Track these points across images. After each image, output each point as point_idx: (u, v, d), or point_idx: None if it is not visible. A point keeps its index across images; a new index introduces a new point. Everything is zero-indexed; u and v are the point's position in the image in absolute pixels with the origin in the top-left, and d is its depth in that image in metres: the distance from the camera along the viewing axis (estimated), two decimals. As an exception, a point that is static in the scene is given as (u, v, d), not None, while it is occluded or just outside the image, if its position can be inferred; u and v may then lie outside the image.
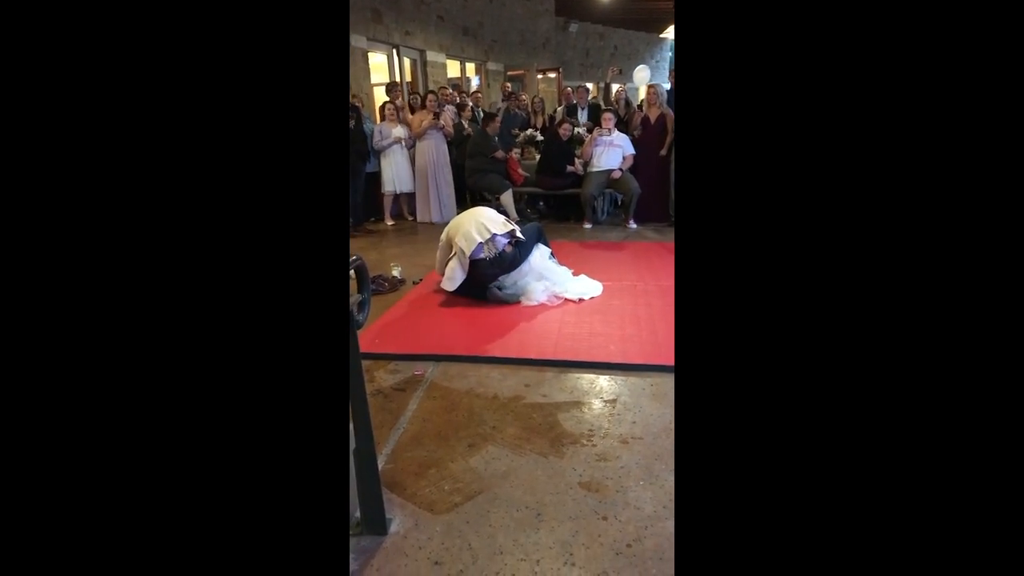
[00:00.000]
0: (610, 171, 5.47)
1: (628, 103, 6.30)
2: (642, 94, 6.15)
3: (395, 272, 4.03)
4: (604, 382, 2.46)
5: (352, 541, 1.56)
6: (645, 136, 5.62)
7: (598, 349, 2.74)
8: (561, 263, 3.76)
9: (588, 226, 5.60)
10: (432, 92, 6.53)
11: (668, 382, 2.40)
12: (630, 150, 5.52)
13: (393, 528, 1.63)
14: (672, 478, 1.76)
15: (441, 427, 2.15)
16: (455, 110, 6.39)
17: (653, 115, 5.59)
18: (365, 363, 1.81)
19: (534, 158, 6.16)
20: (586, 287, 3.52)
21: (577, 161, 5.67)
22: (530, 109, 7.18)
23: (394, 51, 8.26)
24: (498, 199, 5.78)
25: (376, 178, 5.96)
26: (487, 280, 3.40)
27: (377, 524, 1.60)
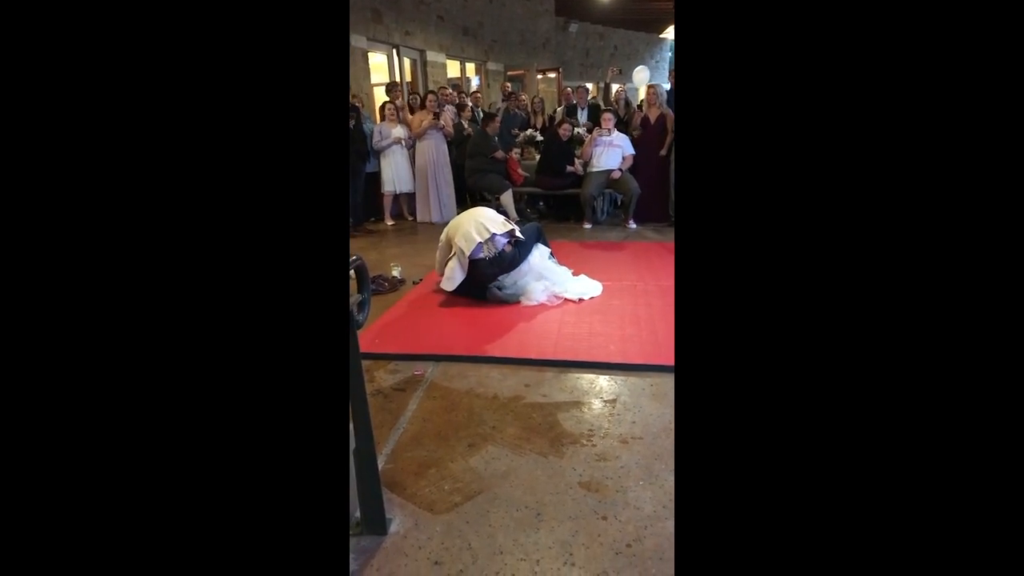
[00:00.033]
0: (610, 171, 5.47)
1: (628, 103, 6.31)
2: (642, 94, 6.15)
3: (395, 272, 4.03)
4: (604, 382, 2.46)
5: (352, 541, 1.56)
6: (645, 136, 5.62)
7: (598, 349, 2.74)
8: (561, 263, 3.76)
9: (588, 226, 5.60)
10: (432, 92, 6.53)
11: (668, 382, 2.40)
12: (630, 150, 5.52)
13: (393, 528, 1.63)
14: (672, 478, 1.76)
15: (441, 427, 2.15)
16: (455, 110, 6.39)
17: (653, 115, 5.59)
18: (365, 363, 1.81)
19: (534, 158, 6.17)
20: (586, 287, 3.52)
21: (577, 161, 5.67)
22: (530, 109, 7.18)
23: (394, 51, 8.26)
24: (498, 199, 5.78)
25: (376, 178, 5.96)
26: (487, 280, 3.40)
27: (377, 524, 1.60)
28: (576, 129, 6.07)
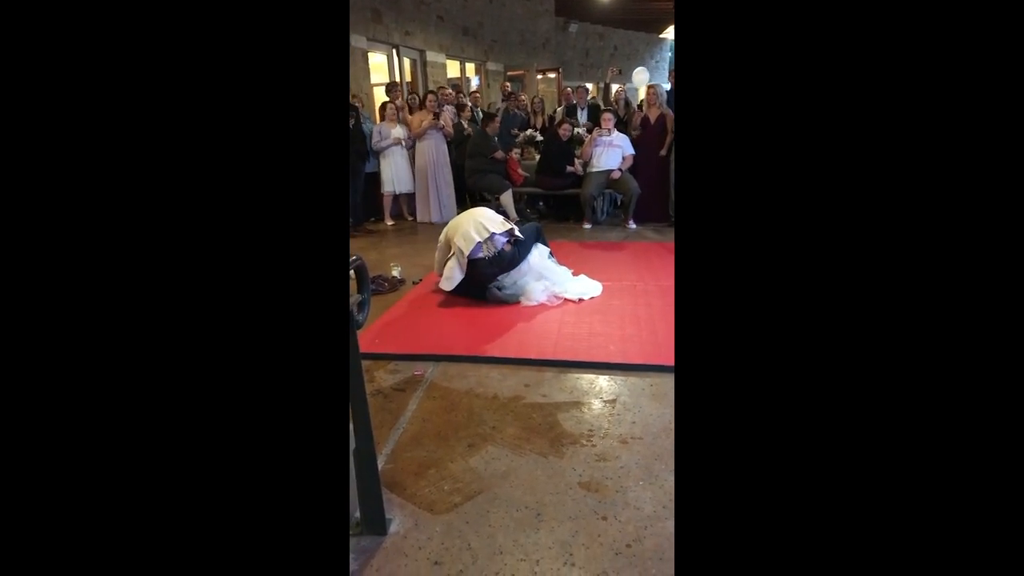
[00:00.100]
0: (610, 171, 5.47)
1: (628, 103, 6.31)
2: (642, 95, 6.15)
3: (395, 272, 4.03)
4: (604, 382, 2.46)
5: (352, 541, 1.56)
6: (645, 136, 5.62)
7: (598, 349, 2.74)
8: (561, 263, 3.76)
9: (588, 226, 5.60)
10: (432, 92, 6.53)
11: (668, 382, 2.40)
12: (629, 150, 5.53)
13: (393, 528, 1.63)
14: (672, 478, 1.76)
15: (441, 427, 2.15)
16: (455, 110, 6.39)
17: (653, 115, 5.59)
18: (365, 363, 1.81)
19: (534, 158, 6.17)
20: (586, 287, 3.52)
21: (577, 161, 5.67)
22: (530, 109, 7.18)
23: (394, 51, 8.26)
24: (498, 199, 5.78)
25: (376, 178, 5.96)
26: (486, 279, 3.40)
27: (377, 524, 1.60)
28: (576, 129, 6.07)
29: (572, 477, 1.82)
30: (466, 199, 6.10)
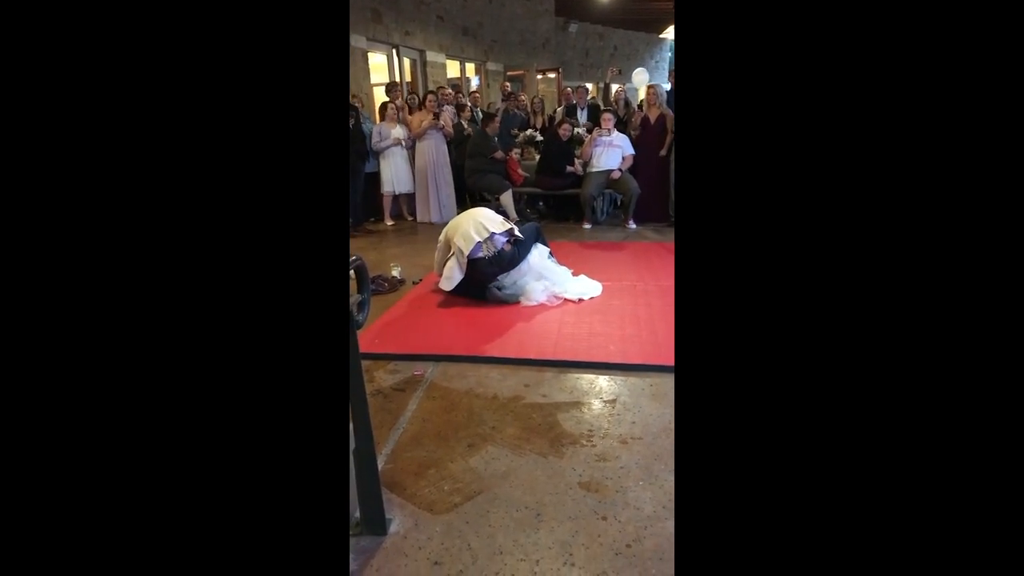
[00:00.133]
0: (609, 171, 5.47)
1: (627, 103, 6.31)
2: (641, 95, 6.16)
3: (395, 272, 4.03)
4: (604, 382, 2.46)
5: (352, 541, 1.56)
6: (645, 136, 5.62)
7: (598, 349, 2.74)
8: (561, 263, 3.76)
9: (588, 226, 5.60)
10: (432, 92, 6.53)
11: (668, 382, 2.40)
12: (629, 150, 5.53)
13: (393, 528, 1.63)
14: (672, 478, 1.76)
15: (441, 427, 2.15)
16: (454, 110, 6.39)
17: (653, 115, 5.59)
18: (365, 363, 1.81)
19: (534, 158, 6.17)
20: (586, 287, 3.52)
21: (577, 161, 5.67)
22: (530, 109, 7.19)
23: (394, 51, 8.26)
24: (498, 199, 5.78)
25: (376, 178, 5.96)
26: (486, 279, 3.40)
27: (377, 524, 1.60)
28: (576, 129, 6.07)
29: (572, 477, 1.82)
30: (466, 199, 6.10)
